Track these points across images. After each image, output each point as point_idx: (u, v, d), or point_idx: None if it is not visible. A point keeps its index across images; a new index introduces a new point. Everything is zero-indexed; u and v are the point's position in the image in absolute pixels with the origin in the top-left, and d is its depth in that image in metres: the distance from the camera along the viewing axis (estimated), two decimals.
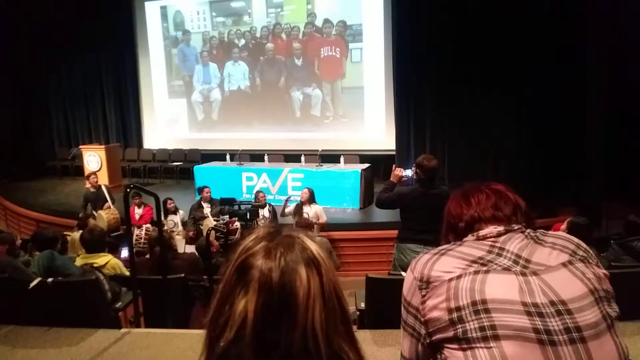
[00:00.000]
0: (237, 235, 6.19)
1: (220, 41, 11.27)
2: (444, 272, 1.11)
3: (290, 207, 7.19)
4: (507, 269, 1.09)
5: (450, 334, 1.05)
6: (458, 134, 9.51)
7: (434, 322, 1.08)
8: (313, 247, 0.80)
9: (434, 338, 1.08)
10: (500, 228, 1.19)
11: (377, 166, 9.44)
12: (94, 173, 8.56)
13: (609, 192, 7.55)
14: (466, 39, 8.99)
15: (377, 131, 10.31)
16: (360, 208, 8.25)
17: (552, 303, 1.03)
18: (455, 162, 9.59)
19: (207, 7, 11.29)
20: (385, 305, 3.49)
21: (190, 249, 6.72)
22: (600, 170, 8.08)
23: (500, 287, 1.06)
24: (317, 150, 9.05)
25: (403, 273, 3.50)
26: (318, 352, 0.73)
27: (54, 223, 8.02)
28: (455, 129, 9.53)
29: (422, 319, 1.11)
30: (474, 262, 1.11)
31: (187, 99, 11.77)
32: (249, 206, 6.00)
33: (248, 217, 5.71)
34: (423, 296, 1.11)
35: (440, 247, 1.21)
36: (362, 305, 3.55)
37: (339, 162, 8.74)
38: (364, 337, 3.20)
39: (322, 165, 8.67)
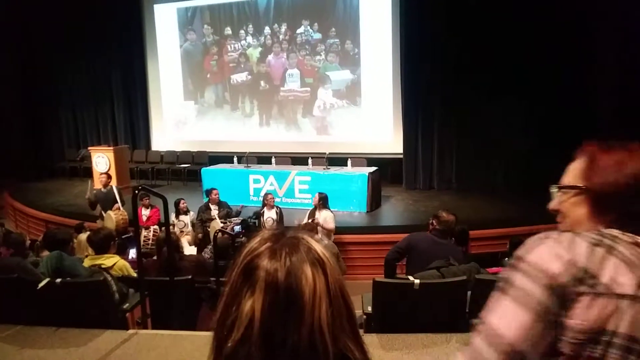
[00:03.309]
0: (242, 238, 6.24)
1: (229, 44, 11.31)
2: (614, 282, 0.88)
3: (306, 215, 7.16)
4: None
5: (582, 351, 0.87)
6: (466, 137, 9.48)
7: (574, 327, 0.88)
8: (318, 247, 0.80)
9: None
10: None
11: (384, 169, 9.43)
12: (106, 173, 8.62)
13: None
14: (475, 43, 8.95)
15: (385, 134, 10.31)
16: (367, 211, 8.23)
17: None
18: (463, 166, 9.57)
19: (215, 10, 11.34)
20: (392, 309, 3.49)
21: (193, 250, 6.78)
22: None
23: None
24: (325, 153, 9.05)
25: (410, 277, 3.49)
26: (325, 350, 0.73)
27: (62, 224, 8.07)
28: (463, 132, 9.50)
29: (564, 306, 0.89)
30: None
31: (194, 101, 11.83)
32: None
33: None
34: (579, 293, 0.88)
35: (596, 235, 0.93)
36: (369, 309, 3.54)
37: (346, 165, 8.73)
38: (371, 341, 3.19)
39: (329, 168, 8.67)
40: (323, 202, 7.05)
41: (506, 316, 0.90)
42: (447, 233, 4.21)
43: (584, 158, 1.05)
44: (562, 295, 0.88)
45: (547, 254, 0.91)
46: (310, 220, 6.80)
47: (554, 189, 1.10)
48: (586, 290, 0.87)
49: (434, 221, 4.26)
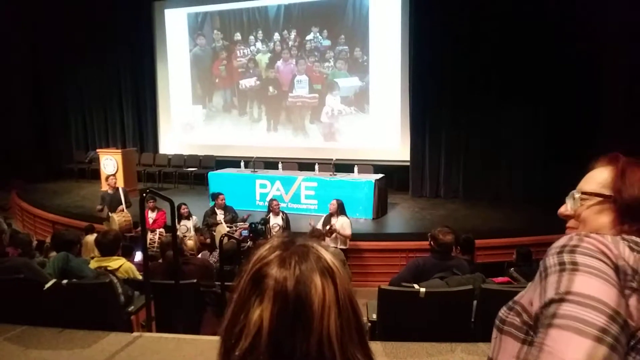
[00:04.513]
0: (248, 243, 6.24)
1: (238, 49, 11.37)
2: None
3: (320, 220, 7.12)
4: None
5: None
6: (474, 145, 9.46)
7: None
8: (327, 256, 0.80)
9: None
10: None
11: (391, 177, 9.42)
12: (114, 175, 8.68)
13: None
14: (483, 50, 8.96)
15: (392, 141, 10.30)
16: (374, 218, 8.21)
17: None
18: (470, 175, 9.54)
19: (225, 16, 11.41)
20: (397, 317, 3.47)
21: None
22: None
23: None
24: (331, 160, 9.05)
25: (416, 286, 3.47)
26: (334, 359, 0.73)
27: (69, 225, 8.10)
28: (470, 141, 9.48)
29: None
30: None
31: (203, 106, 11.89)
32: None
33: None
34: (633, 289, 0.87)
35: (628, 241, 0.93)
36: (374, 316, 3.53)
37: (353, 172, 8.73)
38: (375, 349, 3.14)
39: (335, 175, 8.67)
40: (340, 208, 7.01)
41: (595, 287, 0.82)
42: (447, 253, 4.06)
43: (612, 168, 1.04)
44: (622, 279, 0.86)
45: (598, 243, 0.89)
46: (327, 227, 6.79)
47: (576, 194, 1.07)
48: (635, 287, 0.85)
49: (431, 242, 4.06)
